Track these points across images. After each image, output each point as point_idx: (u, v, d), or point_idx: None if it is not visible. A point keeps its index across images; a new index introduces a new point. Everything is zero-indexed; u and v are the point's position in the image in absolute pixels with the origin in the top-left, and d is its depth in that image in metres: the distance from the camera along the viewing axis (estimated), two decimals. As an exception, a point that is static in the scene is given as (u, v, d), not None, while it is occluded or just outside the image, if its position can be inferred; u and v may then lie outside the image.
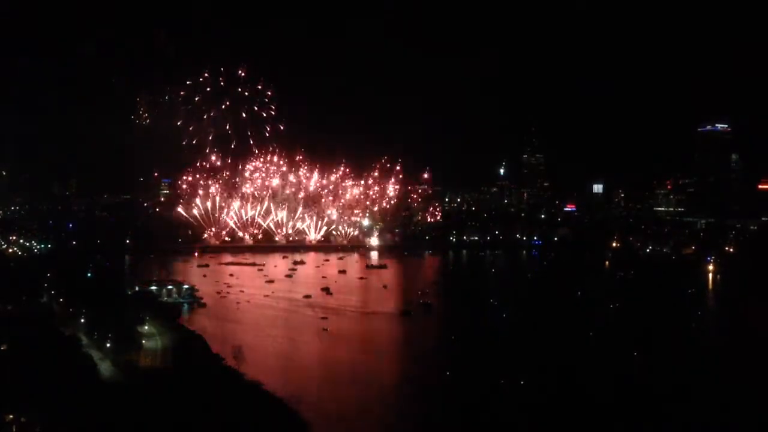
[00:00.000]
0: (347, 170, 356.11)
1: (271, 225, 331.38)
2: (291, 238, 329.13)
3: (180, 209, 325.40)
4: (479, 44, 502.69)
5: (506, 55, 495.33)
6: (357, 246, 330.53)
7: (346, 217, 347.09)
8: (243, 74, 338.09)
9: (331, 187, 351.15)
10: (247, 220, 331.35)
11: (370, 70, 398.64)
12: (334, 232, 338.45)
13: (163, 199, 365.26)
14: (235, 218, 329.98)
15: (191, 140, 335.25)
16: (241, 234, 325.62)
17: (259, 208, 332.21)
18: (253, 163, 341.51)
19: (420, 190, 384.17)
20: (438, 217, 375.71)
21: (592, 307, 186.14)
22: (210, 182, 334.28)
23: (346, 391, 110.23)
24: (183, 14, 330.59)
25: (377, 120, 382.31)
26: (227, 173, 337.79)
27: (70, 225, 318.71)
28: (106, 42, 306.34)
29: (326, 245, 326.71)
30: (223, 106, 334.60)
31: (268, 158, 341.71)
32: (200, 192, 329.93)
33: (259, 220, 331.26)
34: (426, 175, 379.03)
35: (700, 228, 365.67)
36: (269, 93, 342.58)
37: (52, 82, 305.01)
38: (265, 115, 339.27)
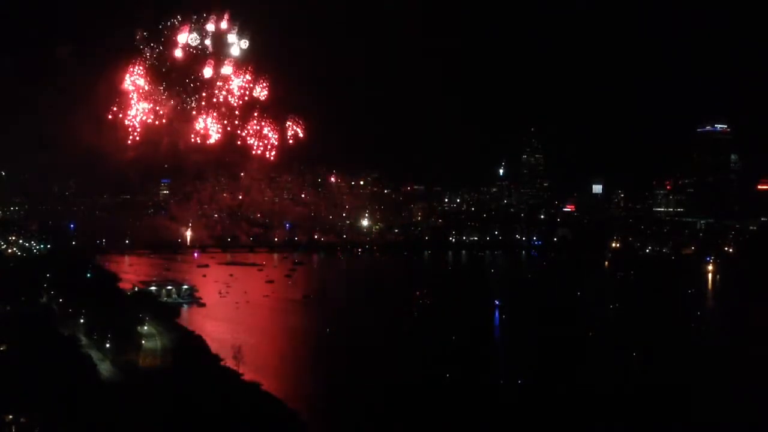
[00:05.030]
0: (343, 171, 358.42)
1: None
2: (295, 238, 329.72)
3: (179, 209, 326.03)
4: (479, 44, 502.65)
5: (506, 55, 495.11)
6: (356, 246, 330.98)
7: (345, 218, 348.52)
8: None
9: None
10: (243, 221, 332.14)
11: (367, 68, 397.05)
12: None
13: (162, 199, 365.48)
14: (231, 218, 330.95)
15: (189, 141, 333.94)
16: (239, 234, 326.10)
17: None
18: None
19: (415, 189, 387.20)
20: (437, 218, 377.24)
21: (591, 307, 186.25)
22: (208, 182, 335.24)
23: (346, 392, 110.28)
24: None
25: (374, 120, 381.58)
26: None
27: (72, 225, 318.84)
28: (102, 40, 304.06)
29: (325, 244, 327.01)
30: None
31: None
32: (198, 192, 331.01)
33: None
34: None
35: (700, 228, 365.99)
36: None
37: (50, 81, 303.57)
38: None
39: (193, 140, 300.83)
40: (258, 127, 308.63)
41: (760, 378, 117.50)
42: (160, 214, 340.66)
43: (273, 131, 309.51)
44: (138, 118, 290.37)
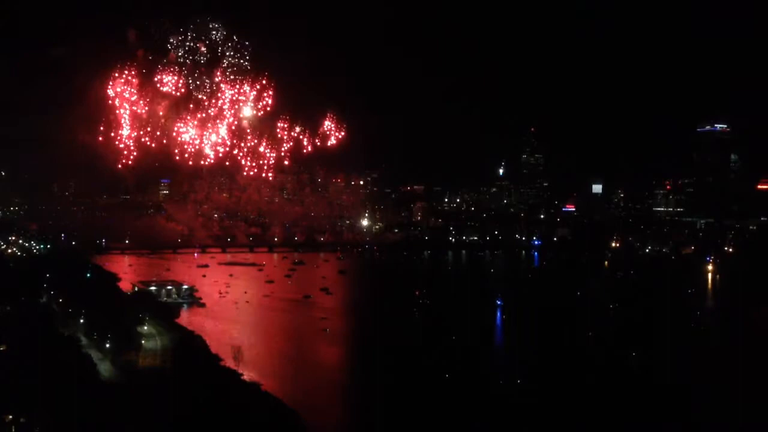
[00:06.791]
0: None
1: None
2: (294, 238, 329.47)
3: (178, 209, 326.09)
4: (479, 43, 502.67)
5: (506, 55, 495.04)
6: (356, 245, 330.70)
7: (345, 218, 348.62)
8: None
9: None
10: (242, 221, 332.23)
11: (367, 68, 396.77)
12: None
13: (162, 199, 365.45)
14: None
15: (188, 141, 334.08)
16: (238, 233, 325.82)
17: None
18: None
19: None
20: (437, 218, 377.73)
21: (591, 307, 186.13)
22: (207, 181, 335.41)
23: (345, 391, 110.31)
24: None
25: (374, 120, 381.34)
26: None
27: (71, 225, 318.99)
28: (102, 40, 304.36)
29: (325, 244, 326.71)
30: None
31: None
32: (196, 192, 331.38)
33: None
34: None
35: (700, 228, 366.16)
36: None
37: (50, 81, 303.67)
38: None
39: (189, 162, 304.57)
40: (254, 143, 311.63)
41: (760, 378, 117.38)
42: (160, 214, 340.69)
43: (272, 150, 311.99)
44: (132, 138, 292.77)
